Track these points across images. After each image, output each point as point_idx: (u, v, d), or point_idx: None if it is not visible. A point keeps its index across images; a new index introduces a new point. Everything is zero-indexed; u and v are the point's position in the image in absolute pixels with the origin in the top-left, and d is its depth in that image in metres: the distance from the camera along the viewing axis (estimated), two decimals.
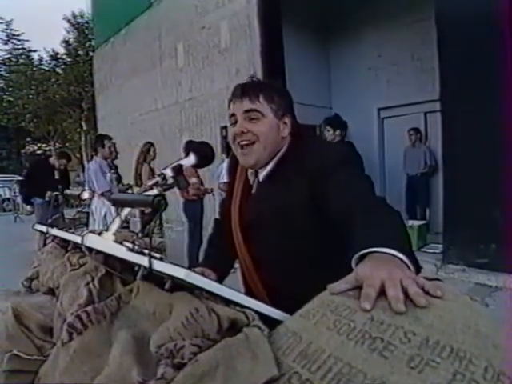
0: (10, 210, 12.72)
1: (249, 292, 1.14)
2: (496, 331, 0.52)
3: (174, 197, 4.18)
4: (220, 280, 1.12)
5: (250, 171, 1.14)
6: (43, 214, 4.86)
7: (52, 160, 5.43)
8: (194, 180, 4.23)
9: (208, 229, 1.43)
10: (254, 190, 1.12)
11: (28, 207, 5.45)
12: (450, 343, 0.49)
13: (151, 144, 4.48)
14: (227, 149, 4.75)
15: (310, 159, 0.98)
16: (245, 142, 1.03)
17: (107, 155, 4.21)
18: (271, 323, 0.64)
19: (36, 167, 5.90)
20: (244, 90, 1.05)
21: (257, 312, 0.63)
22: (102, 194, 3.94)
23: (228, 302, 0.64)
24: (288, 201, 0.99)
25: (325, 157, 0.98)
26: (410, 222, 5.02)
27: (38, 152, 27.26)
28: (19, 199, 12.30)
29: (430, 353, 0.49)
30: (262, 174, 1.09)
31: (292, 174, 1.00)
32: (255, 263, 1.08)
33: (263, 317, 0.64)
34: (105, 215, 3.98)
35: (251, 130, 1.02)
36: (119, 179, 4.45)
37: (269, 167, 1.07)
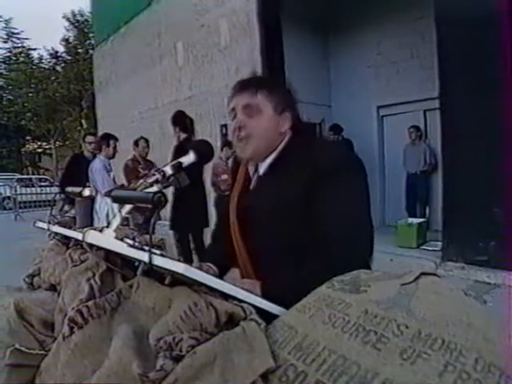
0: (11, 209, 12.71)
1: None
2: (487, 325, 0.53)
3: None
4: (221, 274, 1.13)
5: (250, 166, 1.15)
6: (86, 210, 4.48)
7: (86, 153, 4.79)
8: (225, 177, 4.26)
9: None
10: (253, 184, 1.13)
11: (66, 207, 5.19)
12: (441, 336, 0.51)
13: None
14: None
15: (310, 157, 0.98)
16: (242, 136, 1.05)
17: (110, 154, 4.21)
18: (268, 317, 0.65)
19: (74, 163, 5.30)
20: (243, 85, 1.07)
21: (254, 306, 0.65)
22: (107, 194, 3.86)
23: (226, 297, 0.65)
24: (284, 194, 0.98)
25: (325, 158, 0.97)
26: (410, 220, 5.04)
27: (39, 150, 27.25)
28: (19, 198, 12.33)
29: (422, 345, 0.50)
30: (262, 168, 1.10)
31: (290, 169, 1.00)
32: (250, 256, 1.08)
33: (260, 311, 0.65)
34: (107, 214, 3.98)
35: (248, 125, 1.04)
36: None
37: (268, 161, 1.08)
